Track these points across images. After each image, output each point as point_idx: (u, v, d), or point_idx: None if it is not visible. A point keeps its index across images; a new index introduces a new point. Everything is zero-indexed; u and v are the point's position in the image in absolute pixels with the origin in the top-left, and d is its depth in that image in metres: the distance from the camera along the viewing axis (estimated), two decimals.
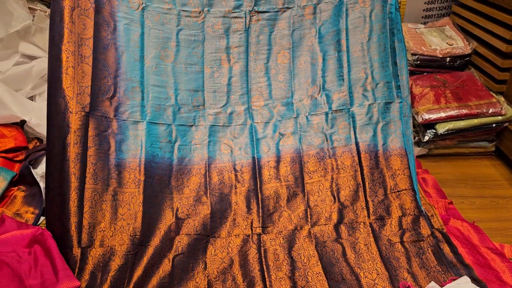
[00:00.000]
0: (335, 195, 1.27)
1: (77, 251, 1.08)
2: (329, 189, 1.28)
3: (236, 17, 1.38)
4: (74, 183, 1.12)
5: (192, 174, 1.29)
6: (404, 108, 1.34)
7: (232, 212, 1.24)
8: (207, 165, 1.30)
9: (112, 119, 1.22)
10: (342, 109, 1.35)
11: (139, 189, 1.20)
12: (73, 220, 1.10)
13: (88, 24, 1.21)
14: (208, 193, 1.27)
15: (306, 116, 1.36)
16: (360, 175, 1.29)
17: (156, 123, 1.29)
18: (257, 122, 1.36)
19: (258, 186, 1.28)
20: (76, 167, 1.13)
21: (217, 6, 1.37)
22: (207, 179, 1.29)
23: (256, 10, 1.38)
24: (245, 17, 1.38)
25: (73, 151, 1.14)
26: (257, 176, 1.30)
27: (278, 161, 1.32)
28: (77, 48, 1.19)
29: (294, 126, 1.35)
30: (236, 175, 1.30)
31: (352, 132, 1.33)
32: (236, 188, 1.28)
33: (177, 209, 1.22)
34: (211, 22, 1.36)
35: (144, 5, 1.30)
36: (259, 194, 1.27)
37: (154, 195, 1.22)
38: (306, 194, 1.28)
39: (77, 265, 1.06)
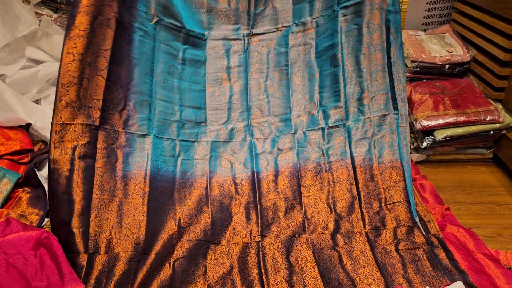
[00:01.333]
0: (332, 207, 1.29)
1: (83, 257, 1.10)
2: (325, 202, 1.30)
3: (235, 39, 1.43)
4: (82, 193, 1.14)
5: (194, 188, 1.31)
6: (400, 119, 1.34)
7: (232, 222, 1.26)
8: (208, 179, 1.33)
9: (120, 132, 1.24)
10: (338, 125, 1.36)
11: (144, 200, 1.22)
12: (81, 228, 1.12)
13: (108, 34, 1.21)
14: (209, 203, 1.29)
15: (304, 132, 1.38)
16: (355, 188, 1.30)
17: (161, 137, 1.31)
18: (257, 138, 1.39)
19: (257, 198, 1.30)
20: (84, 178, 1.15)
21: (218, 30, 1.43)
22: (208, 191, 1.31)
23: (253, 32, 1.43)
24: (244, 39, 1.44)
25: (82, 163, 1.16)
26: (256, 188, 1.32)
27: (276, 175, 1.34)
28: (94, 59, 1.19)
29: (292, 141, 1.38)
30: (236, 188, 1.32)
31: (347, 147, 1.35)
32: (236, 200, 1.30)
33: (179, 220, 1.24)
34: (212, 44, 1.42)
35: (158, 18, 1.32)
36: (258, 205, 1.29)
37: (158, 207, 1.24)
38: (303, 206, 1.29)
39: (84, 270, 1.08)
